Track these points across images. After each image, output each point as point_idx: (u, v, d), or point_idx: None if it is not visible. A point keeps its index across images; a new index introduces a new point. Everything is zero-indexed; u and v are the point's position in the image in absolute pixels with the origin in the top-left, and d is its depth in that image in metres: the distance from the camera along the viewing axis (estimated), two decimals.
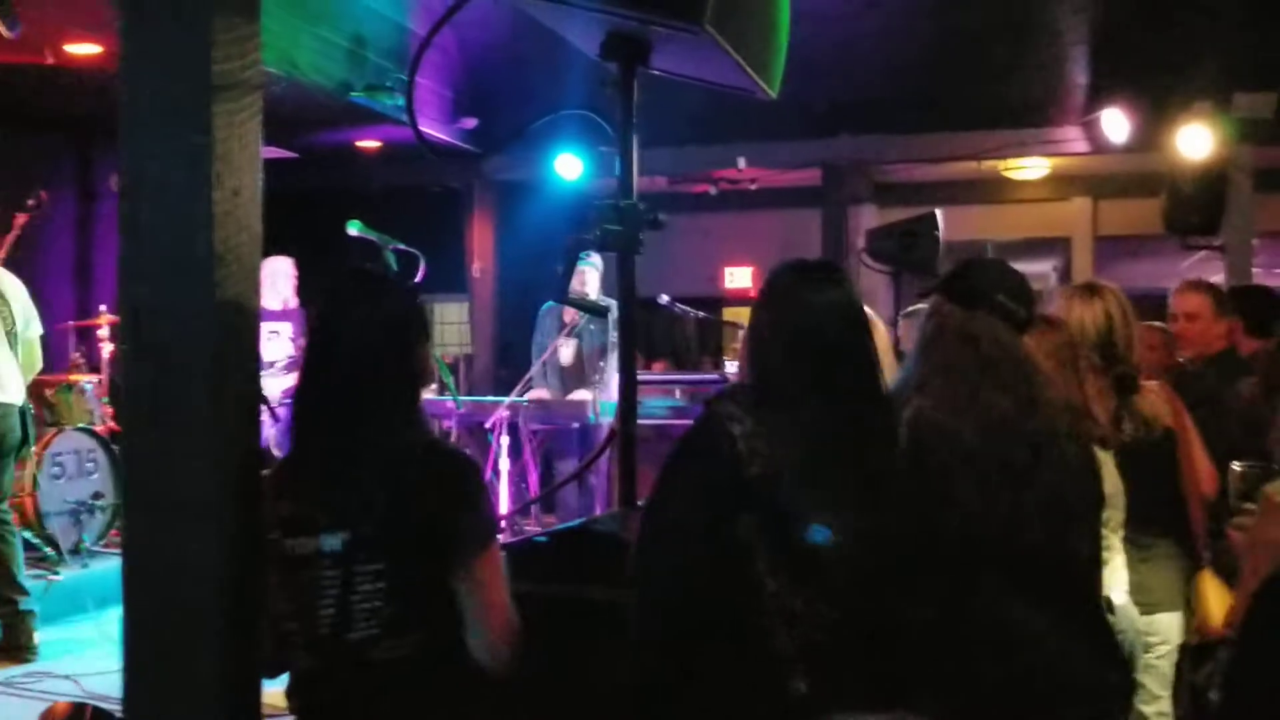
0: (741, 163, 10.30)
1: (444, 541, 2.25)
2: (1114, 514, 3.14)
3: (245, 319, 2.38)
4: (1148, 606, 3.41)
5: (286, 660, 2.37)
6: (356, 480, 2.26)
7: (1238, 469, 3.24)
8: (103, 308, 7.90)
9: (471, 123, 9.86)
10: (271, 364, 7.66)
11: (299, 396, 2.38)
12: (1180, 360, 4.65)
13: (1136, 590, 3.36)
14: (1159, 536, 3.48)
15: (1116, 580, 3.16)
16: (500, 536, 2.41)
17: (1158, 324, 4.70)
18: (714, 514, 2.15)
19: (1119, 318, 3.46)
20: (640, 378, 3.23)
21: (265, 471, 2.47)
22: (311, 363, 2.39)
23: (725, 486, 2.15)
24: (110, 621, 5.70)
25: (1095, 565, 2.65)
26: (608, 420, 7.20)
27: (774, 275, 2.39)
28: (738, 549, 2.13)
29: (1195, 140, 8.53)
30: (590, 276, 7.41)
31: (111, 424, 7.40)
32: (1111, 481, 3.03)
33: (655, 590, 2.22)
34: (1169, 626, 3.47)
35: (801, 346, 2.25)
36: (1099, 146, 9.60)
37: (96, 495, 7.05)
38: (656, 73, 3.07)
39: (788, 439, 2.17)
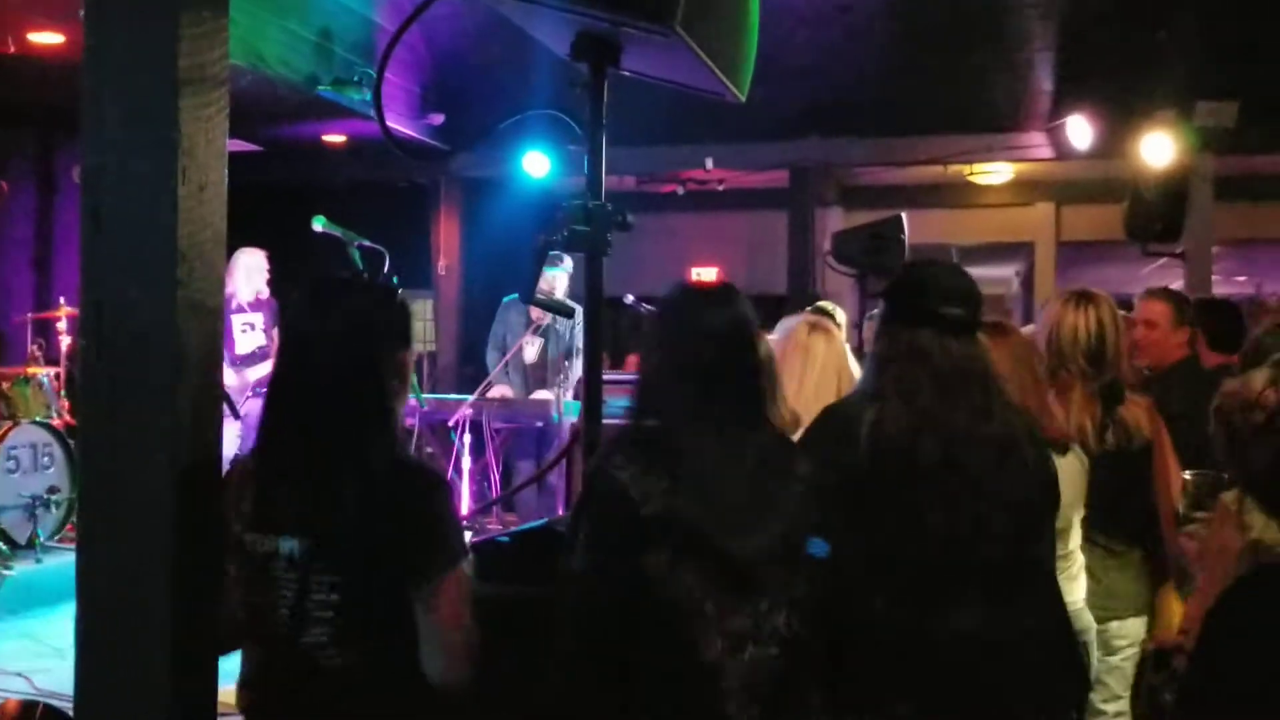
0: (709, 163, 10.32)
1: (404, 561, 2.22)
2: (1069, 522, 3.16)
3: (208, 316, 2.36)
4: (1116, 611, 3.47)
5: (234, 645, 2.36)
6: (320, 489, 2.23)
7: (1189, 477, 3.29)
8: (62, 300, 7.82)
9: (439, 119, 9.83)
10: (246, 355, 7.66)
11: (269, 396, 2.36)
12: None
13: (1106, 594, 3.41)
14: (1131, 544, 3.52)
15: (1072, 588, 3.19)
16: (465, 553, 2.38)
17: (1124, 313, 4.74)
18: (619, 561, 2.16)
19: (1110, 327, 3.49)
20: (604, 377, 3.23)
21: (230, 463, 2.45)
22: (281, 367, 2.36)
23: (624, 533, 2.16)
24: (64, 618, 5.64)
25: (1053, 566, 2.67)
26: (570, 420, 7.19)
27: (666, 296, 2.41)
28: (655, 586, 2.14)
29: (1157, 148, 8.63)
30: (559, 281, 7.40)
31: (68, 418, 7.32)
32: (1070, 489, 3.06)
33: (579, 645, 2.22)
34: (1135, 630, 3.51)
35: (683, 367, 2.28)
36: (1063, 152, 9.68)
37: (52, 490, 6.96)
38: (626, 73, 3.06)
39: (680, 467, 2.18)
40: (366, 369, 2.29)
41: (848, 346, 3.74)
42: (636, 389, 2.36)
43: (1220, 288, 10.31)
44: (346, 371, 2.27)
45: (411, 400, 7.14)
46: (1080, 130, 9.19)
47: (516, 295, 7.78)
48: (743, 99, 3.15)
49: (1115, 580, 3.45)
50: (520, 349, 7.70)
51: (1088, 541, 3.31)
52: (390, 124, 3.13)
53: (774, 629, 2.18)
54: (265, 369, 7.69)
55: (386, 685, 2.25)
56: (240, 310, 7.71)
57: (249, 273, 7.72)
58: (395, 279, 4.84)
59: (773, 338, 3.61)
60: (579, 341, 7.37)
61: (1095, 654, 3.33)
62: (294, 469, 2.27)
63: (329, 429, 2.25)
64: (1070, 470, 3.14)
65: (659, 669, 2.16)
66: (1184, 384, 4.31)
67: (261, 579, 2.26)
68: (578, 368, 7.29)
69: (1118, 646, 3.48)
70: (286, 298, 7.94)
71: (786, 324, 3.72)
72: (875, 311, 5.17)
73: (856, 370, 3.50)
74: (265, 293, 7.89)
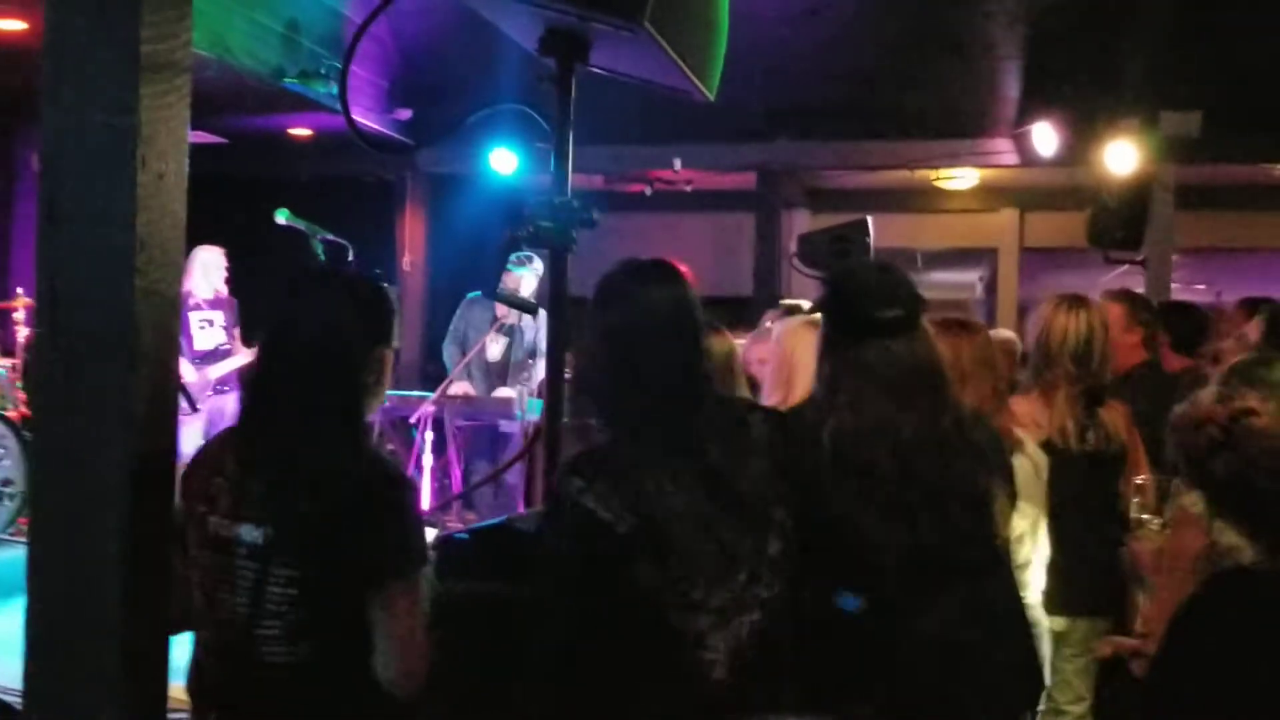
0: (677, 164, 10.32)
1: (364, 563, 2.20)
2: (1024, 519, 3.17)
3: (166, 307, 2.32)
4: (1084, 611, 3.56)
5: (187, 626, 2.34)
6: (286, 482, 2.22)
7: (1140, 482, 3.33)
8: (19, 290, 7.73)
9: (406, 114, 9.78)
10: (206, 352, 7.59)
11: (248, 384, 2.36)
12: None
13: (1075, 594, 3.49)
14: (1100, 546, 3.55)
15: (1027, 580, 3.21)
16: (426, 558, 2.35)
17: None
18: (609, 577, 2.15)
19: (1100, 333, 3.57)
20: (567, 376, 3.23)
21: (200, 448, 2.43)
22: (260, 358, 2.34)
23: (607, 553, 2.15)
24: (17, 612, 5.55)
25: (1008, 555, 2.68)
26: (532, 418, 7.17)
27: (604, 276, 2.36)
28: (647, 590, 2.13)
29: (1121, 156, 8.70)
30: (526, 281, 7.36)
31: (25, 410, 7.23)
32: (1029, 485, 3.07)
33: (572, 646, 2.21)
34: (1102, 631, 3.56)
35: (624, 354, 2.24)
36: (1028, 159, 9.75)
37: (6, 482, 6.86)
38: (595, 70, 3.05)
39: (637, 479, 2.17)
40: (338, 365, 2.27)
41: None
42: (577, 379, 2.32)
43: (1180, 295, 10.40)
44: (317, 366, 2.25)
45: None
46: (1045, 138, 9.26)
47: (480, 293, 7.75)
48: (711, 98, 3.15)
49: (1084, 580, 3.49)
50: (483, 346, 7.66)
51: (1059, 540, 3.34)
52: (356, 118, 3.09)
53: (754, 595, 2.19)
54: (227, 366, 7.64)
55: (334, 684, 2.23)
56: (198, 307, 7.64)
57: (206, 269, 7.66)
58: (378, 271, 4.80)
59: (773, 339, 3.62)
60: (543, 344, 7.34)
61: (1046, 652, 3.36)
62: (263, 460, 2.26)
63: (298, 423, 2.24)
64: (1019, 470, 3.16)
65: (648, 654, 2.16)
66: (1145, 388, 4.35)
67: (221, 564, 2.25)
68: (541, 370, 7.26)
69: (1086, 647, 3.52)
70: (248, 291, 7.90)
71: (787, 325, 3.72)
72: None
73: None
74: (224, 290, 7.85)
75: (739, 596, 2.19)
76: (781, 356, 3.41)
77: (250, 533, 2.22)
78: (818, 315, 3.68)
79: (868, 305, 2.48)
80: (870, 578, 2.35)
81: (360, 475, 2.24)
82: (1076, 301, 3.64)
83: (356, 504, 2.20)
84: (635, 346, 2.24)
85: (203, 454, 2.39)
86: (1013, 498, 2.64)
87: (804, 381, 3.31)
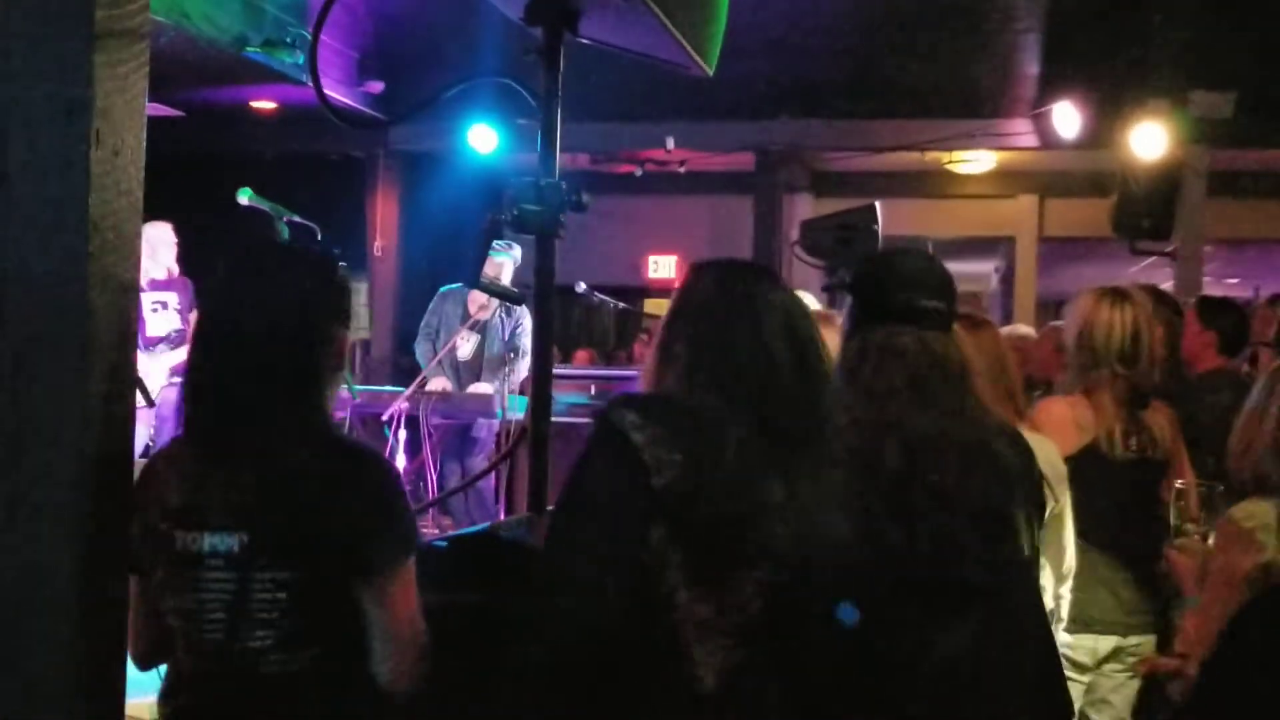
0: (670, 143, 10.33)
1: (354, 552, 2.20)
2: (1049, 527, 3.18)
3: (122, 292, 2.32)
4: (1130, 626, 3.54)
5: (162, 657, 2.34)
6: (260, 477, 2.21)
7: (1181, 486, 3.33)
8: None
9: (378, 87, 9.78)
10: (159, 339, 7.54)
11: (190, 378, 2.33)
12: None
13: (1121, 610, 3.51)
14: (1146, 558, 3.55)
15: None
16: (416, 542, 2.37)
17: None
18: (623, 531, 2.15)
19: (1146, 328, 3.56)
20: (555, 372, 3.22)
21: (144, 454, 2.43)
22: (205, 342, 2.33)
23: (632, 500, 2.14)
24: None
25: (1032, 569, 2.68)
26: (514, 416, 7.17)
27: (714, 279, 2.36)
28: (649, 564, 2.14)
29: (1149, 139, 8.71)
30: (505, 268, 7.35)
31: None
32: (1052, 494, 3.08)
33: (566, 620, 2.21)
34: (1147, 648, 3.57)
35: (756, 353, 2.24)
36: (1048, 141, 9.78)
37: None
38: (585, 41, 3.05)
39: (699, 444, 2.16)
40: (302, 343, 2.27)
41: None
42: (684, 375, 2.29)
43: (1211, 289, 10.44)
44: (280, 346, 2.25)
45: (343, 392, 7.13)
46: (1067, 118, 9.28)
47: (456, 285, 7.74)
48: (710, 72, 3.15)
49: (1130, 595, 3.50)
50: (454, 345, 7.64)
51: (1099, 554, 3.35)
52: (325, 90, 3.08)
53: (737, 624, 2.19)
54: (179, 356, 7.59)
55: (336, 691, 2.23)
56: (149, 287, 7.56)
57: (154, 247, 7.50)
58: (336, 250, 4.81)
59: None
60: (521, 340, 7.35)
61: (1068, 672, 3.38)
62: (223, 455, 2.25)
63: (263, 410, 2.23)
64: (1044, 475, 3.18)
65: (637, 645, 2.16)
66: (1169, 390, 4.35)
67: (192, 581, 2.23)
68: (521, 369, 7.26)
69: (1128, 663, 3.53)
70: (210, 273, 7.84)
71: None
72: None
73: None
74: (176, 270, 7.76)
75: (721, 613, 2.18)
76: None
77: (223, 541, 2.21)
78: (833, 313, 3.69)
79: (910, 291, 2.50)
80: (862, 586, 2.35)
81: (336, 458, 2.25)
82: (1120, 296, 3.60)
83: (338, 490, 2.20)
84: (768, 353, 2.22)
85: (156, 460, 2.38)
86: (1040, 514, 2.64)
87: None
